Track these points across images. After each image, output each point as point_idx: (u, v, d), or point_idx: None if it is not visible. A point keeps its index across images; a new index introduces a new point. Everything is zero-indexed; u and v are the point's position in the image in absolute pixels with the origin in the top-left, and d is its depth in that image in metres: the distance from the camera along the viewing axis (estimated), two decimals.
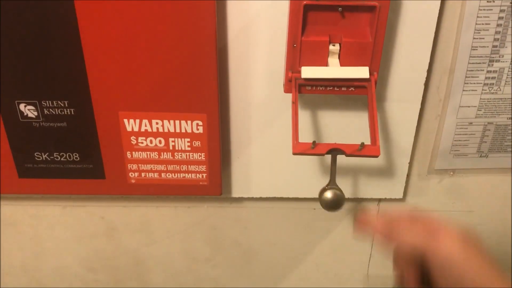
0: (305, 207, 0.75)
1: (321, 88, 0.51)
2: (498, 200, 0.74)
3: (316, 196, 0.68)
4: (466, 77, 0.64)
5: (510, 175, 0.72)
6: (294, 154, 0.48)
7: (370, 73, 0.50)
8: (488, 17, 0.60)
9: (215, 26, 0.52)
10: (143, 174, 0.61)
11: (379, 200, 0.74)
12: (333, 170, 0.51)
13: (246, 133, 0.63)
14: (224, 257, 0.79)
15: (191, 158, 0.60)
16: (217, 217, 0.75)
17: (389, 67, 0.59)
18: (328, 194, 0.51)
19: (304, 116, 0.62)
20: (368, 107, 0.50)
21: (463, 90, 0.65)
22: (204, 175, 0.61)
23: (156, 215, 0.75)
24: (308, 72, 0.49)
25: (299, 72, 0.50)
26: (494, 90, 0.65)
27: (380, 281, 0.82)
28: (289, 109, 0.60)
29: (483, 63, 0.63)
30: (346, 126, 0.61)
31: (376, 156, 0.48)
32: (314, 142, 0.47)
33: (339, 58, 0.51)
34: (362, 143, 0.47)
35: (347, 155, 0.48)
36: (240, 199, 0.73)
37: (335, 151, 0.48)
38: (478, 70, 0.64)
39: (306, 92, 0.52)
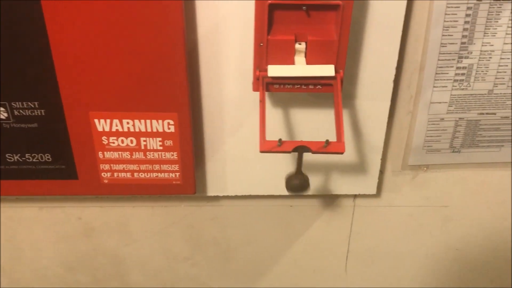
0: (281, 204, 0.75)
1: (288, 86, 0.52)
2: (472, 194, 0.75)
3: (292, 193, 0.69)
4: (436, 73, 0.65)
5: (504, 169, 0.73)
6: (261, 152, 0.48)
7: (336, 71, 0.51)
8: (456, 14, 0.61)
9: (183, 26, 0.52)
10: (115, 174, 0.61)
11: (355, 196, 0.75)
12: (298, 168, 0.52)
13: (220, 131, 0.63)
14: (203, 255, 0.80)
15: (163, 157, 0.60)
16: (195, 216, 0.76)
17: (358, 65, 0.60)
18: (294, 177, 0.52)
19: (276, 114, 0.62)
20: (334, 104, 0.50)
21: (434, 87, 0.66)
22: (177, 174, 0.62)
23: (133, 215, 0.75)
24: (275, 70, 0.50)
25: (266, 70, 0.51)
26: (464, 86, 0.66)
27: (359, 276, 0.83)
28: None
29: (452, 59, 0.64)
30: (317, 124, 0.62)
31: (341, 153, 0.48)
32: (280, 140, 0.48)
33: (305, 56, 0.51)
34: (327, 140, 0.48)
35: (313, 152, 0.49)
36: (217, 198, 0.73)
37: (301, 148, 0.48)
38: (448, 67, 0.65)
39: (274, 91, 0.52)
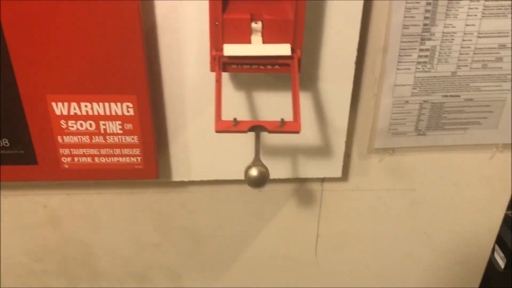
0: (249, 190, 0.74)
1: (246, 67, 0.52)
2: (438, 177, 0.76)
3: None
4: (399, 55, 0.65)
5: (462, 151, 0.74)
6: (217, 131, 0.48)
7: (293, 51, 0.51)
8: None
9: (139, 7, 0.51)
10: (76, 159, 0.61)
11: (323, 180, 0.75)
12: (257, 148, 0.51)
13: (182, 114, 0.63)
14: (172, 242, 0.79)
15: (123, 141, 0.60)
16: (162, 202, 0.75)
17: (319, 47, 0.60)
18: (253, 172, 0.52)
19: (238, 96, 0.62)
20: (291, 84, 0.50)
21: (397, 69, 0.66)
22: (139, 158, 0.61)
23: (100, 202, 0.74)
24: (230, 49, 0.49)
25: (223, 50, 0.50)
26: (427, 68, 0.66)
27: (329, 260, 0.83)
28: (224, 87, 0.60)
29: (415, 41, 0.64)
30: (279, 105, 0.62)
31: (297, 132, 0.48)
32: (235, 119, 0.47)
33: (262, 36, 0.51)
34: (282, 119, 0.48)
35: (269, 132, 0.49)
36: (184, 184, 0.72)
37: (257, 128, 0.48)
38: (411, 49, 0.65)
39: (231, 71, 0.52)
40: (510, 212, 1.21)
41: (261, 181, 0.52)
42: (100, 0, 0.50)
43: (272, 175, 0.69)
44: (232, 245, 0.80)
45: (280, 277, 0.84)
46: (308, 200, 0.77)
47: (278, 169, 0.69)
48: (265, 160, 0.67)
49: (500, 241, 0.90)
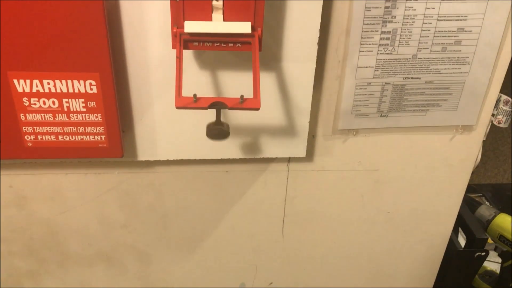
0: (217, 170, 0.76)
1: (208, 44, 0.52)
2: (400, 158, 0.78)
3: (226, 157, 0.69)
4: (362, 38, 0.67)
5: (410, 133, 0.76)
6: (177, 108, 0.49)
7: (254, 29, 0.51)
8: None
9: None
10: (39, 137, 0.60)
11: (288, 160, 0.76)
12: (218, 118, 0.52)
13: (147, 93, 0.63)
14: (140, 222, 0.80)
15: (87, 119, 0.60)
16: (130, 182, 0.75)
17: (282, 27, 0.61)
18: (214, 124, 0.53)
19: (202, 74, 0.62)
20: (252, 62, 0.51)
21: (360, 51, 0.68)
22: (103, 136, 0.61)
23: (67, 183, 0.74)
24: (191, 26, 0.50)
25: (183, 27, 0.51)
26: (389, 50, 0.68)
27: (295, 240, 0.85)
28: (189, 66, 0.61)
29: (377, 24, 0.66)
30: (243, 84, 0.62)
31: (257, 109, 0.49)
32: (195, 95, 0.48)
33: (223, 13, 0.51)
34: (242, 96, 0.49)
35: (229, 108, 0.50)
36: (151, 164, 0.73)
37: (217, 104, 0.49)
38: (373, 31, 0.66)
39: (193, 48, 0.52)
40: (473, 194, 1.25)
41: (221, 133, 0.53)
42: None
43: (238, 155, 0.71)
44: (199, 224, 0.81)
45: (247, 255, 0.85)
46: (274, 180, 0.78)
47: (243, 149, 0.70)
48: (229, 140, 0.69)
49: (461, 222, 0.94)
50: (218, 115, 0.51)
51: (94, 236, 0.80)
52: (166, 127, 0.66)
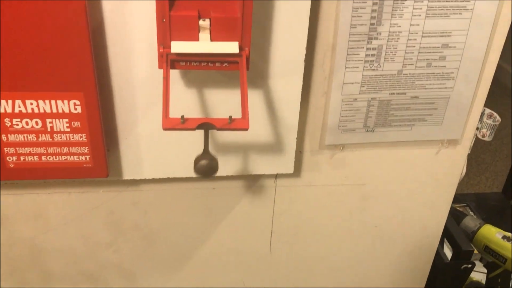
0: (203, 187, 0.75)
1: (195, 64, 0.52)
2: (386, 172, 0.78)
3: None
4: (348, 54, 0.67)
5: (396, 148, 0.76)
6: (164, 129, 0.48)
7: (241, 48, 0.51)
8: None
9: (85, 2, 0.50)
10: (22, 158, 0.59)
11: (276, 176, 0.76)
12: (206, 145, 0.51)
13: (132, 112, 0.62)
14: (125, 241, 0.78)
15: (71, 139, 0.59)
16: (114, 201, 0.74)
17: (269, 44, 0.60)
18: (202, 161, 0.52)
19: (190, 93, 0.62)
20: (240, 82, 0.50)
21: (346, 67, 0.68)
22: (87, 157, 0.60)
23: (49, 202, 0.73)
24: (178, 47, 0.49)
25: (170, 47, 0.50)
26: (374, 66, 0.68)
27: (283, 256, 0.84)
28: (175, 85, 0.60)
29: (362, 40, 0.66)
30: (231, 102, 0.62)
31: (245, 129, 0.49)
32: (182, 116, 0.47)
33: (210, 33, 0.51)
34: (230, 117, 0.48)
35: (217, 129, 0.49)
36: (136, 182, 0.72)
37: (205, 125, 0.48)
38: (359, 48, 0.67)
39: (180, 68, 0.52)
40: (457, 205, 1.26)
41: (209, 169, 0.52)
42: None
43: (225, 172, 0.70)
44: (186, 242, 0.80)
45: (235, 273, 0.85)
46: (262, 196, 0.78)
47: (230, 165, 0.70)
48: (217, 157, 0.68)
49: (447, 233, 0.94)
50: (206, 137, 0.51)
51: (79, 255, 0.79)
52: (151, 145, 0.65)
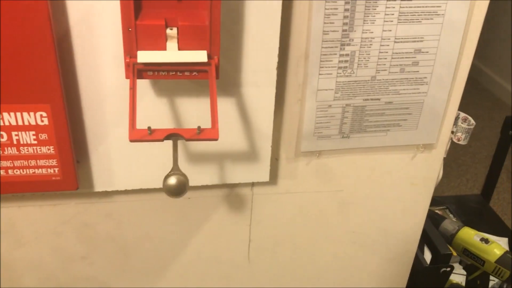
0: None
1: (163, 73, 0.51)
2: (363, 178, 0.78)
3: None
4: (321, 61, 0.66)
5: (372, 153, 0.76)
6: (131, 141, 0.47)
7: (210, 57, 0.50)
8: (336, 1, 0.62)
9: (48, 9, 0.49)
10: None
11: (252, 184, 0.75)
12: (175, 156, 0.50)
13: (102, 123, 0.61)
14: (99, 254, 0.77)
15: (39, 152, 0.57)
16: (88, 213, 0.72)
17: (241, 53, 0.60)
18: (171, 181, 0.51)
19: (160, 103, 0.61)
20: (209, 91, 0.50)
21: (320, 74, 0.67)
22: (56, 169, 0.59)
23: (20, 216, 0.71)
24: (144, 56, 0.48)
25: (136, 57, 0.49)
26: (348, 73, 0.68)
27: (262, 264, 0.83)
28: (145, 95, 0.59)
29: (335, 47, 0.66)
30: (201, 111, 0.61)
31: (215, 139, 0.48)
32: (149, 128, 0.46)
33: (178, 42, 0.50)
34: (199, 127, 0.47)
35: (186, 140, 0.48)
36: (109, 194, 0.70)
37: (173, 136, 0.47)
38: (332, 54, 0.66)
39: (148, 78, 0.51)
40: (437, 207, 1.27)
41: (179, 190, 0.51)
42: (9, 7, 0.48)
43: (200, 182, 0.69)
44: (162, 253, 0.79)
45: (214, 283, 0.83)
46: (239, 205, 0.77)
47: (205, 175, 0.69)
48: (191, 167, 0.67)
49: (426, 237, 0.94)
50: (175, 148, 0.50)
51: (52, 269, 0.77)
52: (122, 156, 0.64)
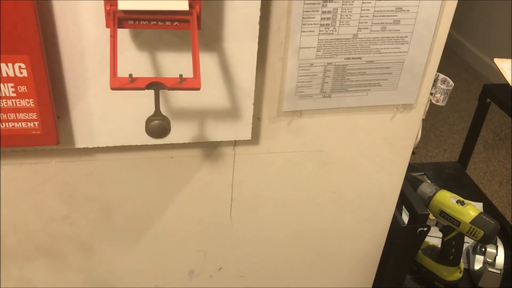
0: (161, 156, 0.74)
1: (144, 23, 0.50)
2: (343, 138, 0.79)
3: (169, 142, 0.67)
4: (303, 18, 0.66)
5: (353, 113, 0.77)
6: (112, 89, 0.46)
7: (191, 6, 0.50)
8: None
9: None
10: None
11: (234, 144, 0.75)
12: (157, 105, 0.50)
13: (83, 75, 0.60)
14: (81, 213, 0.77)
15: (18, 105, 0.56)
16: (68, 172, 0.72)
17: (223, 7, 0.59)
18: (153, 121, 0.51)
19: (141, 55, 0.60)
20: (190, 41, 0.49)
21: (302, 31, 0.67)
22: (36, 123, 0.58)
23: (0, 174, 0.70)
24: (125, 4, 0.48)
25: (117, 4, 0.48)
26: (330, 30, 0.68)
27: (244, 224, 0.85)
28: (126, 48, 0.58)
29: (317, 3, 0.66)
30: (183, 64, 0.61)
31: (197, 89, 0.48)
32: (131, 75, 0.46)
33: None
34: (181, 75, 0.47)
35: (168, 89, 0.48)
36: (90, 152, 0.70)
37: (155, 85, 0.47)
38: (314, 11, 0.66)
39: (128, 27, 0.50)
40: (415, 173, 1.29)
41: (161, 129, 0.51)
42: None
43: (181, 139, 0.69)
44: (144, 213, 0.79)
45: (196, 243, 0.84)
46: (221, 164, 0.77)
47: (187, 132, 0.69)
48: (172, 124, 0.67)
49: (404, 199, 0.96)
50: (156, 97, 0.50)
51: (33, 229, 0.77)
52: (104, 111, 0.64)
